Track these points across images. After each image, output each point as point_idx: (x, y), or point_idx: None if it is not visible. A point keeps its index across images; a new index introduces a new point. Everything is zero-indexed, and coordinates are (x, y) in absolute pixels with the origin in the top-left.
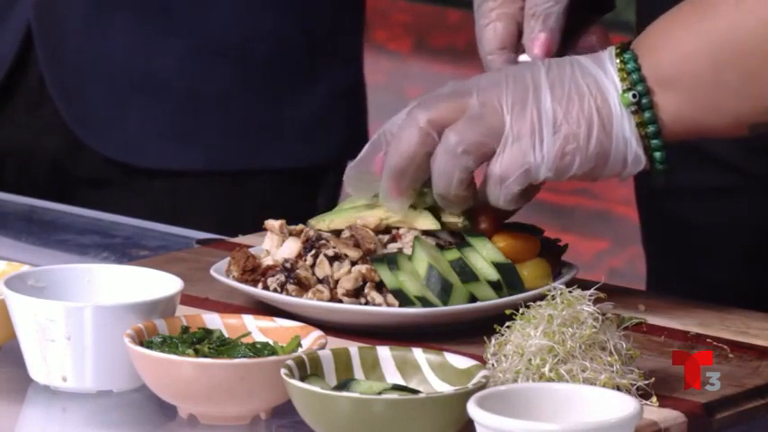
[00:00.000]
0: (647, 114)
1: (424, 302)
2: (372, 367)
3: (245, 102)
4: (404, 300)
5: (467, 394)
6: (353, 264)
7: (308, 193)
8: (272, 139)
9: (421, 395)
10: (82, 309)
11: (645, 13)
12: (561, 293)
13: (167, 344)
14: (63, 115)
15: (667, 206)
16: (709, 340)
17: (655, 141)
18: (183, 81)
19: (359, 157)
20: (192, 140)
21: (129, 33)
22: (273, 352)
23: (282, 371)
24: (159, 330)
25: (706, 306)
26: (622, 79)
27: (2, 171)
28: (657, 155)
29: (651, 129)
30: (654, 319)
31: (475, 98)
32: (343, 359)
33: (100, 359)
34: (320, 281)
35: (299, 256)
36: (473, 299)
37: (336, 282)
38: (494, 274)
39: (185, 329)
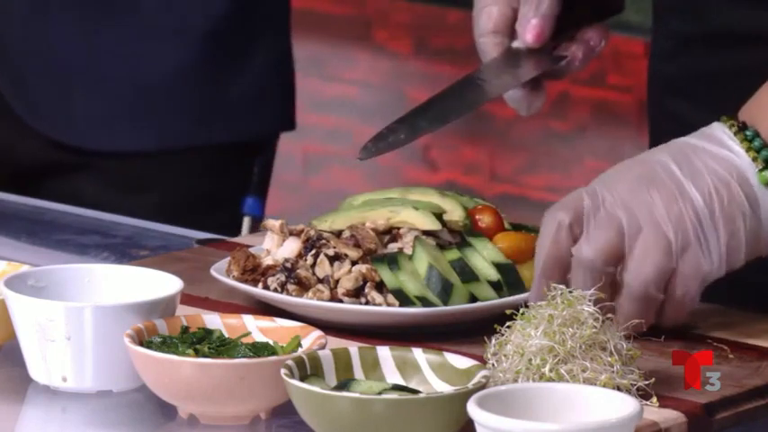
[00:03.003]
0: None
1: (425, 302)
2: (372, 367)
3: (189, 80)
4: (404, 300)
5: (467, 394)
6: (354, 263)
7: (246, 163)
8: (219, 114)
9: (421, 395)
10: (82, 309)
11: (661, 11)
12: (561, 293)
13: (167, 344)
14: (9, 101)
15: None
16: (709, 340)
17: None
18: (127, 64)
19: None
20: (141, 122)
21: (70, 20)
22: (273, 352)
23: (282, 371)
24: (159, 330)
25: (706, 306)
26: (754, 159)
27: None
28: None
29: None
30: None
31: (639, 236)
32: (343, 359)
33: (100, 359)
34: (320, 281)
35: (300, 255)
36: (473, 299)
37: (337, 281)
38: (494, 274)
39: (185, 329)
